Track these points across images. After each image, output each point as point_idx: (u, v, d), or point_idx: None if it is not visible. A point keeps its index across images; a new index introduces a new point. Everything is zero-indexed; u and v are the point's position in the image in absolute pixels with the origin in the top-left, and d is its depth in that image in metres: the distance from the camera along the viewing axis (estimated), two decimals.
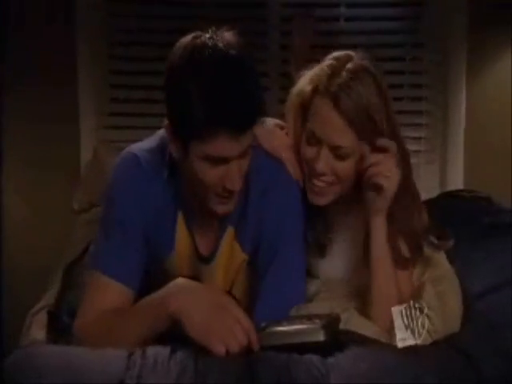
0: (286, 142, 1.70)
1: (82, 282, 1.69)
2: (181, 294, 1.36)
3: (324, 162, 1.60)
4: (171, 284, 1.40)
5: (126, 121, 3.01)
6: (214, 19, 2.94)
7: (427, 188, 2.66)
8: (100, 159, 2.70)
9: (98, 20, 2.87)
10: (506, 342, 1.39)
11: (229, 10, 2.94)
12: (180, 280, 1.41)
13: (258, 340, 1.37)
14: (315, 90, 1.61)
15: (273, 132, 1.69)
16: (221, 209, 1.50)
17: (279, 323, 1.44)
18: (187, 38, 1.43)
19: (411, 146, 2.30)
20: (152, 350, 1.31)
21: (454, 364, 1.33)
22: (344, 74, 1.58)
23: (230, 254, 1.61)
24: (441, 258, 1.72)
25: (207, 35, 1.41)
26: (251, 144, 1.46)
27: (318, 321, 1.42)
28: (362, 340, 1.45)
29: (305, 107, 1.65)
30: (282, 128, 1.75)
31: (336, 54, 1.65)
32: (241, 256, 1.62)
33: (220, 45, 1.39)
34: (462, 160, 2.99)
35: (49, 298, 1.77)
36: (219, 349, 1.29)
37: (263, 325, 1.44)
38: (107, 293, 1.51)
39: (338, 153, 1.60)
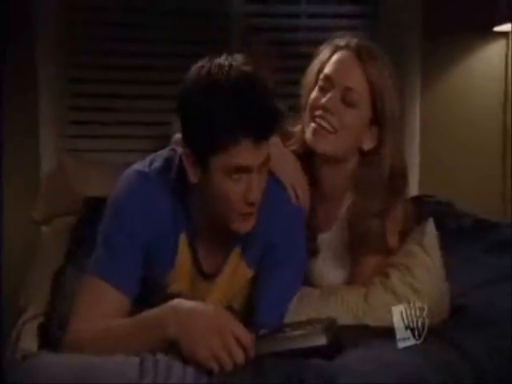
0: (297, 167, 1.72)
1: (72, 293, 1.66)
2: (178, 319, 1.36)
3: (333, 100, 1.65)
4: (168, 306, 1.40)
5: (86, 129, 2.98)
6: (176, 28, 2.97)
7: None
8: (65, 170, 2.67)
9: (58, 28, 2.83)
10: (501, 339, 1.46)
11: (192, 19, 2.95)
12: (177, 301, 1.41)
13: (258, 350, 1.38)
14: (336, 48, 1.70)
15: (285, 155, 1.70)
16: (243, 227, 1.51)
17: (280, 330, 1.46)
18: (200, 62, 1.46)
19: None
20: (164, 357, 1.31)
21: (453, 361, 1.38)
22: (363, 44, 1.69)
23: (235, 272, 1.63)
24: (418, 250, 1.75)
25: (221, 57, 1.45)
26: (269, 158, 1.49)
27: (318, 325, 1.44)
28: (357, 334, 1.50)
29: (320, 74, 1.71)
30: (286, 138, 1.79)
31: None
32: (247, 273, 1.64)
33: (234, 63, 1.44)
34: (417, 166, 3.09)
35: (37, 308, 1.74)
36: (212, 367, 1.31)
37: (263, 332, 1.46)
38: (105, 300, 1.49)
39: (347, 97, 1.65)
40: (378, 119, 1.68)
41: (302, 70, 3.05)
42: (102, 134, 2.98)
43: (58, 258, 2.10)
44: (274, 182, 1.63)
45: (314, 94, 1.71)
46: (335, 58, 1.69)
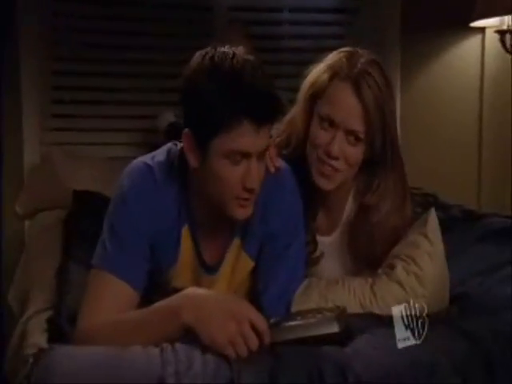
0: None
1: (77, 288, 1.66)
2: (193, 306, 1.37)
3: (338, 146, 1.65)
4: (181, 295, 1.41)
5: (70, 123, 2.96)
6: (160, 21, 2.97)
7: None
8: (52, 163, 2.64)
9: (41, 20, 2.80)
10: (504, 325, 1.50)
11: (175, 12, 2.95)
12: (190, 290, 1.42)
13: (270, 338, 1.39)
14: (333, 76, 1.66)
15: None
16: (240, 213, 1.52)
17: (291, 318, 1.48)
18: (204, 50, 1.48)
19: None
20: (182, 346, 1.32)
21: (461, 346, 1.42)
22: (361, 63, 1.65)
23: (236, 264, 1.64)
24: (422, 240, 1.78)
25: (224, 47, 1.47)
26: (268, 146, 1.51)
27: (329, 313, 1.47)
28: (365, 322, 1.52)
29: (317, 95, 1.70)
30: None
31: (343, 49, 1.73)
32: (249, 264, 1.65)
33: (238, 52, 1.46)
34: None
35: (39, 304, 1.73)
36: (229, 353, 1.33)
37: (273, 321, 1.48)
38: (115, 294, 1.48)
39: (351, 137, 1.66)
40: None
41: (284, 63, 3.09)
42: (85, 127, 2.96)
43: (50, 253, 2.08)
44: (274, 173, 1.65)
45: (315, 129, 1.69)
46: (335, 93, 1.65)
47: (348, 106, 1.64)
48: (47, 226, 2.38)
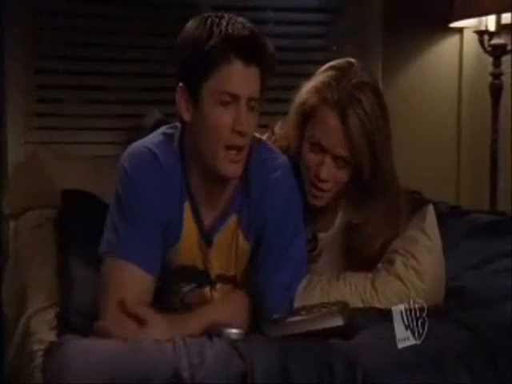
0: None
1: (80, 280, 1.68)
2: None
3: (327, 170, 1.70)
4: None
5: (54, 121, 2.93)
6: (144, 19, 2.97)
7: None
8: (40, 162, 2.63)
9: (26, 19, 2.77)
10: (502, 316, 1.54)
11: (159, 10, 2.96)
12: None
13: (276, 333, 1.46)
14: (322, 101, 1.68)
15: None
16: (231, 169, 1.56)
17: (295, 313, 1.52)
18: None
19: None
20: (193, 340, 1.35)
21: (464, 338, 1.46)
22: (351, 87, 1.66)
23: (233, 241, 1.67)
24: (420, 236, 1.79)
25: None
26: (259, 96, 1.56)
27: (332, 307, 1.50)
28: (368, 316, 1.55)
29: (307, 116, 1.73)
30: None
31: (335, 63, 1.74)
32: (244, 244, 1.67)
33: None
34: None
35: (39, 302, 1.73)
36: None
37: (279, 315, 1.51)
38: (131, 280, 1.51)
39: (339, 161, 1.70)
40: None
41: None
42: (69, 126, 2.93)
43: (44, 251, 2.09)
44: (274, 156, 1.68)
45: (306, 151, 1.73)
46: (323, 119, 1.68)
47: (335, 134, 1.67)
48: (37, 225, 2.37)
